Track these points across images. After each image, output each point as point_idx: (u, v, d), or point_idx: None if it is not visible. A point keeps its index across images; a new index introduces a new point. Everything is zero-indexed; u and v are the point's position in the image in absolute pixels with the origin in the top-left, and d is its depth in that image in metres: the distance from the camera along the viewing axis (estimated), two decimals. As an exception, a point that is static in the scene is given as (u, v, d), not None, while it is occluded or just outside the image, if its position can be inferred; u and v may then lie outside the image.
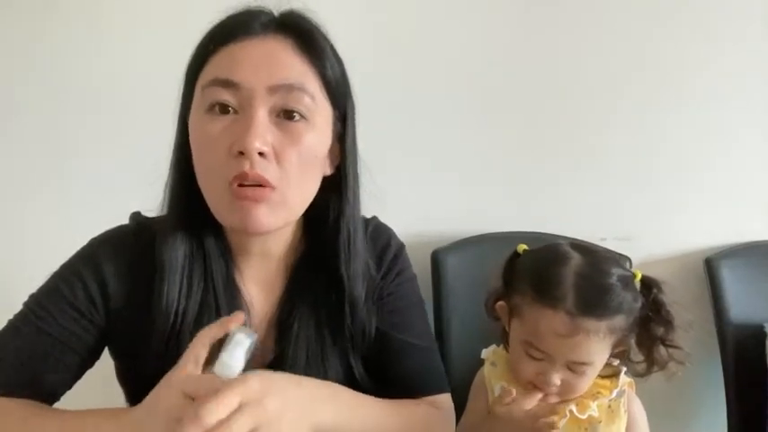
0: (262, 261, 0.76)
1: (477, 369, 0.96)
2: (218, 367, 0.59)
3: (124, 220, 0.78)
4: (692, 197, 1.39)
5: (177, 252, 0.71)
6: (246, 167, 0.64)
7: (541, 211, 1.38)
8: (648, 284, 0.84)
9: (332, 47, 0.72)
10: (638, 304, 0.82)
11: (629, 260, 1.29)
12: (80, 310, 0.70)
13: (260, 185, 0.65)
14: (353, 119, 0.75)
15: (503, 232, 1.35)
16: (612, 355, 0.85)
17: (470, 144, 1.36)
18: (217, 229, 0.73)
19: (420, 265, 1.22)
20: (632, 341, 0.84)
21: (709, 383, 1.35)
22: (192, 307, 0.70)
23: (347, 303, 0.75)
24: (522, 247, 0.90)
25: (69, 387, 0.72)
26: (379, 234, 0.84)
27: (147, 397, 0.60)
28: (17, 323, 0.71)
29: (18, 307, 0.72)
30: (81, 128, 1.29)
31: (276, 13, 0.71)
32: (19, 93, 1.29)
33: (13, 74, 1.28)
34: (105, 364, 0.76)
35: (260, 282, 0.77)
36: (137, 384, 0.74)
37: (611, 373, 0.88)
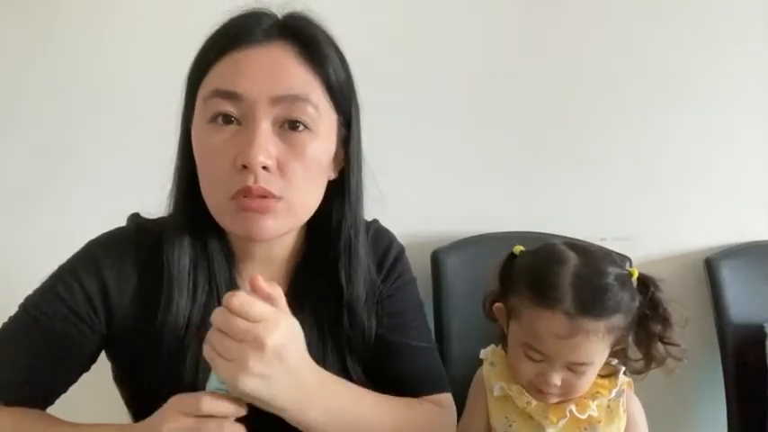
0: (264, 265, 0.76)
1: (477, 369, 0.96)
2: (213, 382, 0.59)
3: (123, 220, 0.78)
4: (692, 197, 1.39)
5: (183, 259, 0.70)
6: (251, 182, 0.63)
7: (542, 212, 1.38)
8: (645, 282, 0.85)
9: (337, 49, 0.71)
10: (636, 303, 0.82)
11: (629, 260, 1.29)
12: (78, 313, 0.69)
13: (264, 197, 0.64)
14: (358, 122, 0.74)
15: (503, 232, 1.34)
16: (611, 354, 0.85)
17: (471, 144, 1.36)
18: (220, 233, 0.73)
19: (420, 265, 1.23)
20: (630, 339, 0.84)
21: (709, 383, 1.35)
22: (196, 311, 0.70)
23: (346, 308, 0.75)
24: (519, 248, 0.90)
25: (65, 390, 0.72)
26: (379, 238, 0.84)
27: (151, 416, 0.61)
28: (13, 325, 0.70)
29: (15, 309, 0.71)
30: (81, 128, 1.29)
31: (279, 15, 0.70)
32: (19, 93, 1.28)
33: (12, 74, 1.28)
34: (104, 365, 0.76)
35: None
36: (137, 387, 0.75)
37: (609, 373, 0.88)
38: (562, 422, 0.84)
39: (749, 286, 1.32)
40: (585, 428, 0.85)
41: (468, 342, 1.04)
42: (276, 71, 0.65)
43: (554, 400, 0.85)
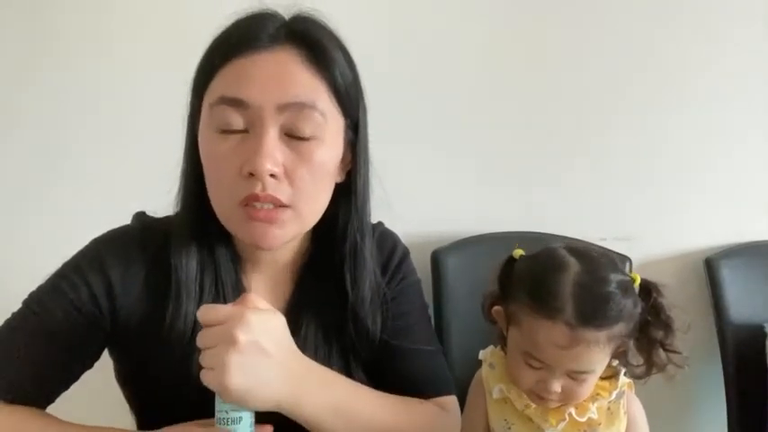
0: (270, 268, 0.76)
1: (477, 369, 0.96)
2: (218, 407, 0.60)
3: (124, 219, 0.78)
4: (692, 197, 1.39)
5: (191, 263, 0.70)
6: (258, 189, 0.63)
7: (542, 212, 1.38)
8: (648, 288, 0.83)
9: (344, 51, 0.70)
10: (638, 309, 0.80)
11: (630, 260, 1.29)
12: (82, 311, 0.69)
13: (272, 204, 0.65)
14: (365, 125, 0.73)
15: (503, 232, 1.35)
16: (612, 356, 0.84)
17: (471, 145, 1.36)
18: (226, 237, 0.72)
19: (420, 265, 1.22)
20: (631, 343, 0.83)
21: (709, 383, 1.36)
22: None
23: (350, 311, 0.75)
24: (519, 252, 0.87)
25: (67, 388, 0.72)
26: (384, 240, 0.84)
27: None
28: (15, 322, 0.70)
29: (14, 308, 0.71)
30: (81, 128, 1.29)
31: (285, 16, 0.69)
32: (19, 93, 1.29)
33: (13, 74, 1.28)
34: (104, 364, 0.76)
35: (268, 288, 0.77)
36: (140, 387, 0.74)
37: (610, 374, 0.87)
38: (561, 425, 0.84)
39: (749, 286, 1.33)
40: (585, 431, 0.85)
41: (469, 342, 1.03)
42: (283, 78, 0.64)
43: (555, 405, 0.84)
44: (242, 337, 0.57)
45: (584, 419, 0.83)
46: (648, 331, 0.81)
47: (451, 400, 0.81)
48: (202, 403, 0.60)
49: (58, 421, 0.67)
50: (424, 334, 0.83)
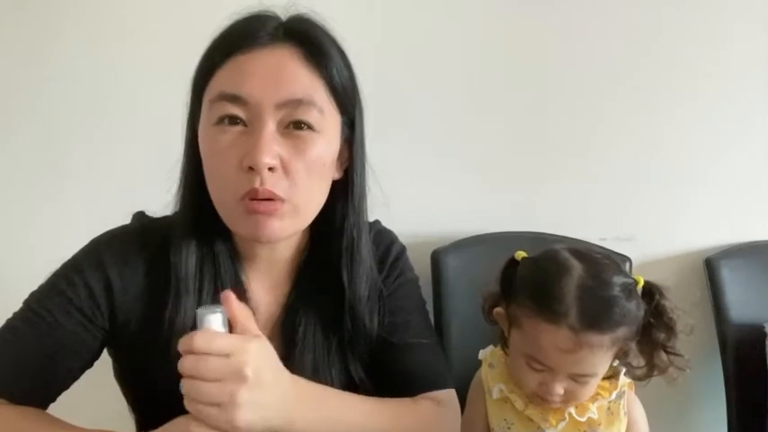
0: (269, 264, 0.77)
1: (477, 369, 0.96)
2: None
3: (122, 220, 0.78)
4: (692, 197, 1.39)
5: (190, 261, 0.71)
6: (257, 184, 0.64)
7: (542, 212, 1.38)
8: (651, 291, 0.82)
9: (340, 50, 0.71)
10: (641, 312, 0.80)
11: (630, 260, 1.29)
12: (82, 310, 0.70)
13: (271, 199, 0.65)
14: (362, 122, 0.74)
15: (503, 232, 1.34)
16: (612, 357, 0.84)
17: (471, 144, 1.36)
18: (225, 234, 0.73)
19: (420, 265, 1.22)
20: (633, 344, 0.83)
21: (709, 383, 1.35)
22: None
23: (347, 308, 0.75)
24: (521, 254, 0.87)
25: (67, 387, 0.72)
26: (381, 238, 0.85)
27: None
28: (16, 322, 0.70)
29: (14, 308, 0.72)
30: (81, 128, 1.30)
31: (283, 17, 0.70)
32: (20, 93, 1.29)
33: (13, 74, 1.28)
34: (104, 364, 0.76)
35: (267, 284, 0.77)
36: (140, 386, 0.75)
37: (610, 374, 0.87)
38: (561, 424, 0.84)
39: (749, 286, 1.32)
40: (585, 431, 0.85)
41: (469, 342, 1.03)
42: (281, 75, 0.66)
43: (556, 406, 0.84)
44: (250, 373, 0.55)
45: (584, 419, 0.83)
46: (651, 333, 0.81)
47: (448, 394, 0.81)
48: None
49: (59, 422, 0.67)
50: (421, 329, 0.83)
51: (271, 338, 0.72)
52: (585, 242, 1.29)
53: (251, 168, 0.64)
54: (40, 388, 0.69)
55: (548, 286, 0.79)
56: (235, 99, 0.65)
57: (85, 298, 0.70)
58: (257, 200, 0.65)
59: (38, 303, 0.70)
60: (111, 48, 1.28)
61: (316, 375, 0.72)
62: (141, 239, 0.74)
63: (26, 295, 0.72)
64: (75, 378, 0.73)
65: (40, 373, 0.68)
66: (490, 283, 0.89)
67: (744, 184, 1.39)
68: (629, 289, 0.79)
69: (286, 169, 0.66)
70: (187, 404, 0.56)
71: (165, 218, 0.76)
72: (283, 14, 0.71)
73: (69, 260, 0.73)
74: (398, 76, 1.31)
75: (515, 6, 1.34)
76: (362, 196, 0.76)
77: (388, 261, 0.83)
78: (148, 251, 0.72)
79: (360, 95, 0.74)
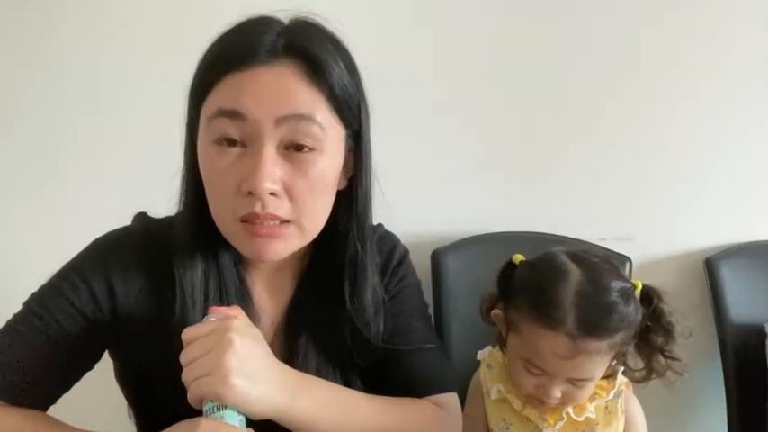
0: (272, 271, 0.76)
1: (476, 370, 0.96)
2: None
3: (123, 220, 0.77)
4: (692, 197, 1.39)
5: (195, 272, 0.70)
6: (258, 208, 0.63)
7: (542, 212, 1.38)
8: (649, 295, 0.82)
9: (344, 57, 0.68)
10: (639, 316, 0.80)
11: (630, 260, 1.29)
12: (84, 312, 0.69)
13: (273, 221, 0.64)
14: (368, 132, 0.72)
15: (503, 232, 1.34)
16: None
17: (471, 144, 1.36)
18: (228, 243, 0.71)
19: (420, 266, 1.22)
20: (631, 346, 0.82)
21: (709, 383, 1.35)
22: None
23: (348, 321, 0.75)
24: (519, 257, 0.87)
25: (68, 389, 0.72)
26: (384, 242, 0.84)
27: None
28: (16, 324, 0.70)
29: (14, 309, 0.71)
30: (81, 128, 1.30)
31: (284, 20, 0.68)
32: (19, 93, 1.29)
33: (14, 74, 1.28)
34: (104, 364, 0.76)
35: (269, 290, 0.77)
36: (141, 388, 0.75)
37: (608, 374, 0.86)
38: (559, 424, 0.84)
39: (749, 286, 1.32)
40: (583, 430, 0.85)
41: (468, 342, 1.04)
42: (280, 92, 0.63)
43: (554, 406, 0.84)
44: (237, 339, 0.59)
45: (581, 419, 0.84)
46: (648, 337, 0.81)
47: (450, 398, 0.80)
48: None
49: (59, 424, 0.67)
50: (423, 333, 0.83)
51: (273, 344, 0.72)
52: (585, 242, 1.29)
53: (250, 193, 0.63)
54: (40, 390, 0.69)
55: (545, 292, 0.79)
56: (233, 115, 0.63)
57: (87, 301, 0.69)
58: (258, 223, 0.64)
59: (38, 305, 0.70)
60: (111, 48, 1.28)
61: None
62: (143, 241, 0.73)
63: (27, 296, 0.72)
64: (76, 380, 0.72)
65: (39, 374, 0.68)
66: (489, 284, 0.89)
67: (744, 183, 1.39)
68: (627, 293, 0.79)
69: (289, 191, 0.64)
70: (189, 389, 0.59)
71: (166, 218, 0.75)
72: (284, 17, 0.68)
73: (70, 262, 0.72)
74: (399, 76, 1.31)
75: (516, 7, 1.34)
76: (366, 206, 0.74)
77: (391, 265, 0.82)
78: (150, 253, 0.72)
79: (365, 102, 0.71)
